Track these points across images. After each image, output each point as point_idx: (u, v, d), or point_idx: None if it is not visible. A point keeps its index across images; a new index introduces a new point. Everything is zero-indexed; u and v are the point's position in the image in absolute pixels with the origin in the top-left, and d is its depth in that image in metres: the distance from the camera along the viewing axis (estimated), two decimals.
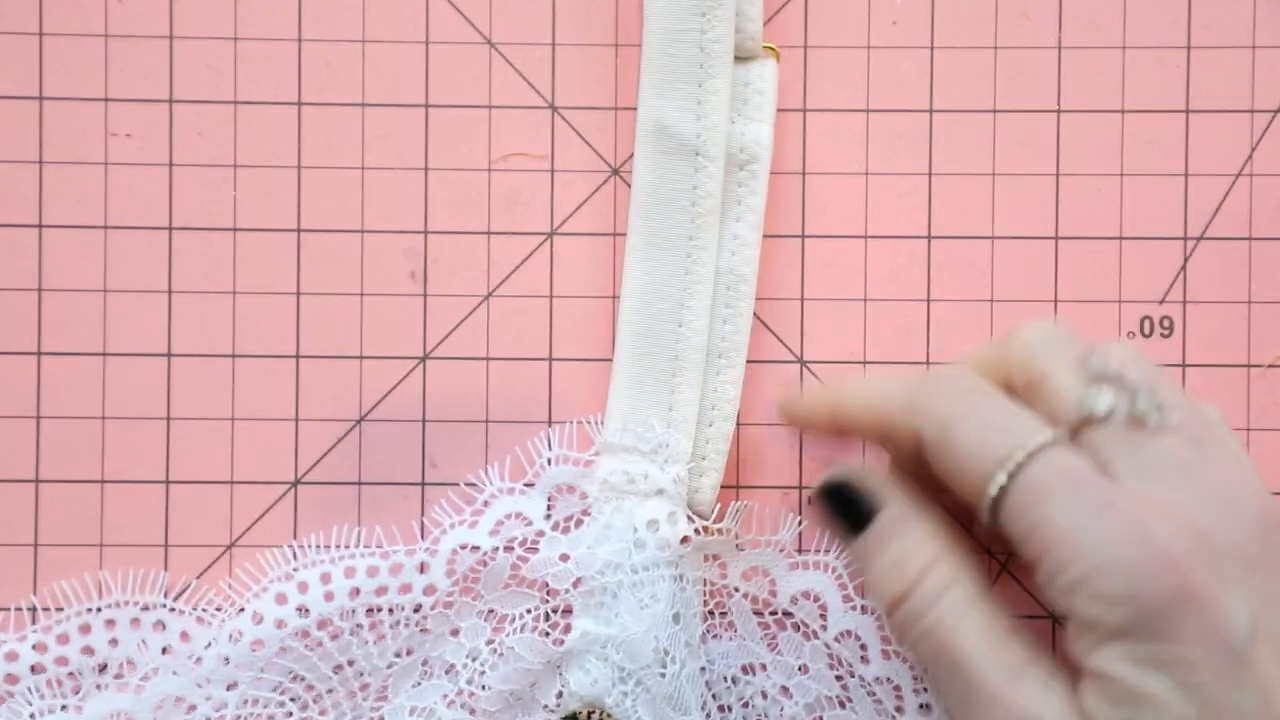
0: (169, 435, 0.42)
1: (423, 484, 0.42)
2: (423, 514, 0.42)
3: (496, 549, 0.41)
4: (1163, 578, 0.31)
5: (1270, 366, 0.42)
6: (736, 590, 0.41)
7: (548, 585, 0.41)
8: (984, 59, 0.42)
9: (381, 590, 0.40)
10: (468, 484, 0.41)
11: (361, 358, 0.42)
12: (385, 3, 0.42)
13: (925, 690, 0.40)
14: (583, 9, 0.42)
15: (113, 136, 0.42)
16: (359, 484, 0.42)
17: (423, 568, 0.41)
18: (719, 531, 0.40)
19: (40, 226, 0.42)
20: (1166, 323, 0.42)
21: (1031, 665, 0.34)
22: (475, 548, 0.40)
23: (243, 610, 0.41)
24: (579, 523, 0.41)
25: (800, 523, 0.41)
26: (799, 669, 0.40)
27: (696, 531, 0.40)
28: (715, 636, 0.41)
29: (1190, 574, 0.31)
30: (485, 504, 0.41)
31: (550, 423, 0.42)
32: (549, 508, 0.41)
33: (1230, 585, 0.32)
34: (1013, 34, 0.42)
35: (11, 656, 0.41)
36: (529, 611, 0.41)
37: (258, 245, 0.42)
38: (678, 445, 0.40)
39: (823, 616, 0.40)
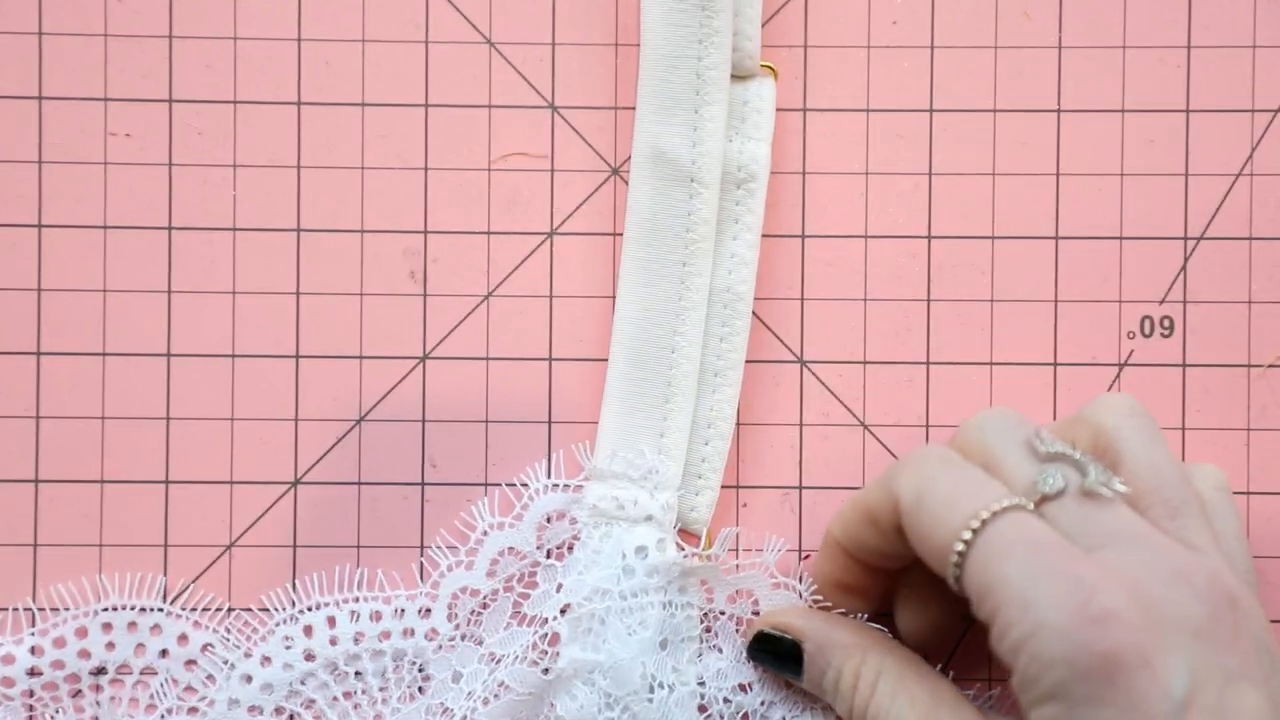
0: (169, 435, 0.42)
1: (423, 484, 0.42)
2: (422, 514, 0.42)
3: (496, 590, 0.41)
4: (1096, 641, 0.31)
5: (1270, 366, 0.42)
6: (722, 614, 0.41)
7: (541, 615, 0.41)
8: (984, 59, 0.42)
9: (385, 635, 0.41)
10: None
11: (361, 358, 0.42)
12: (385, 3, 0.42)
13: None
14: (583, 9, 0.42)
15: (112, 136, 0.42)
16: (359, 484, 0.42)
17: (424, 612, 0.41)
18: (707, 558, 0.40)
19: (40, 226, 0.42)
20: (1166, 323, 0.42)
21: None
22: (475, 591, 0.41)
23: (249, 655, 0.41)
24: (570, 547, 0.41)
25: (784, 545, 0.41)
26: (785, 684, 0.40)
27: (685, 559, 0.40)
28: (705, 653, 0.41)
29: (1125, 639, 0.31)
30: (478, 542, 0.41)
31: (550, 422, 0.42)
32: (539, 535, 0.41)
33: (1169, 653, 0.32)
34: (1013, 34, 0.42)
35: (8, 660, 0.41)
36: (523, 644, 0.41)
37: (258, 245, 0.42)
38: (667, 471, 0.40)
39: None
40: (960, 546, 0.34)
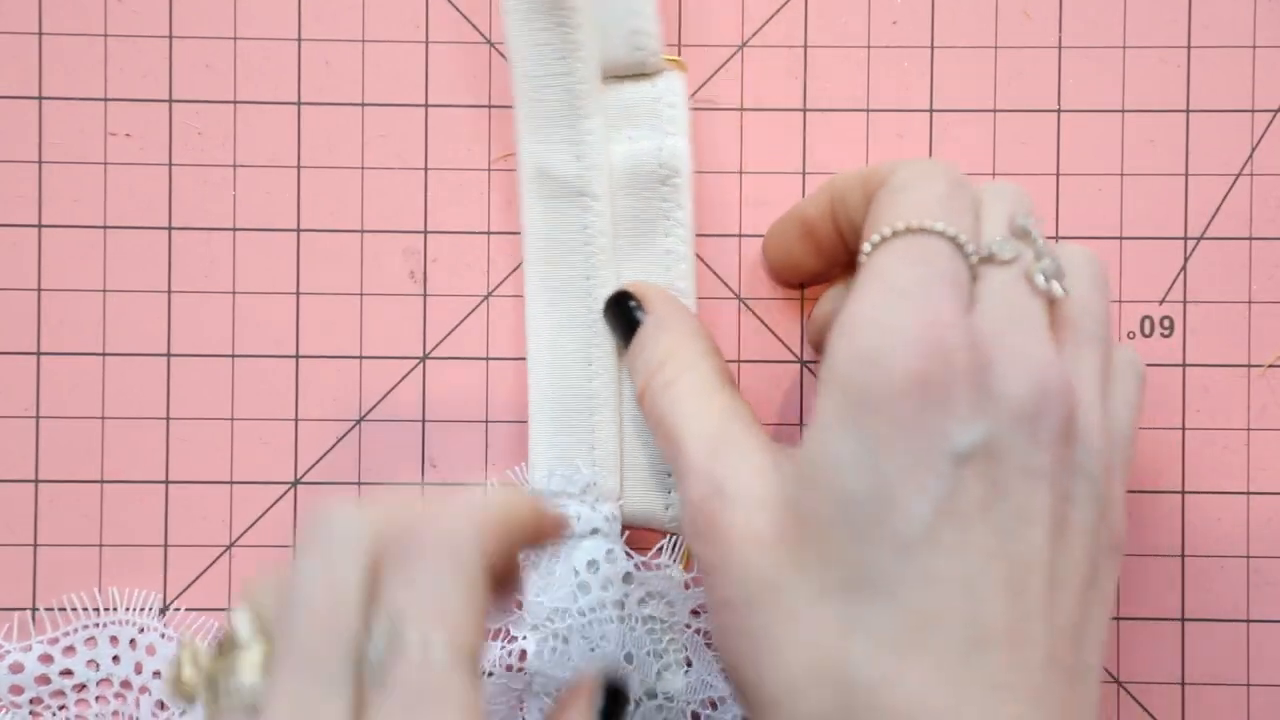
0: (169, 435, 0.42)
1: (423, 484, 0.42)
2: None
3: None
4: (921, 357, 0.31)
5: (1270, 366, 0.42)
6: (688, 626, 0.41)
7: (509, 631, 0.41)
8: (984, 59, 0.42)
9: None
10: None
11: (361, 358, 0.42)
12: (385, 3, 0.42)
13: None
14: None
15: (112, 136, 0.42)
16: (359, 484, 0.42)
17: None
18: (658, 566, 0.40)
19: (40, 226, 0.42)
20: (1166, 323, 0.42)
21: (738, 445, 0.34)
22: None
23: None
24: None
25: None
26: None
27: (636, 567, 0.40)
28: (673, 668, 0.41)
29: (946, 377, 0.31)
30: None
31: None
32: None
33: (975, 415, 0.31)
34: (1013, 34, 0.42)
35: (16, 668, 0.41)
36: (491, 671, 0.41)
37: (257, 245, 0.42)
38: (605, 483, 0.40)
39: None
40: (886, 232, 0.33)
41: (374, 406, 0.42)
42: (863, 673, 0.31)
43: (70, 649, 0.41)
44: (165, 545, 0.42)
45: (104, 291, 0.42)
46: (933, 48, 0.42)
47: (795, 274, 0.40)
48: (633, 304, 0.39)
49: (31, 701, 0.41)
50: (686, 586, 0.41)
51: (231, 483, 0.42)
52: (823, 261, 0.39)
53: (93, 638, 0.41)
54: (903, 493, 0.31)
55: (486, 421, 0.42)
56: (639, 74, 0.41)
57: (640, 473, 0.41)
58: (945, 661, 0.30)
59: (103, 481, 0.42)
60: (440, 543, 0.30)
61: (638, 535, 0.42)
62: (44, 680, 0.41)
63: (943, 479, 0.31)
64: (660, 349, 0.38)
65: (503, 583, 0.33)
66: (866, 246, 0.33)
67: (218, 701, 0.30)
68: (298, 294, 0.42)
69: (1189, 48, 0.42)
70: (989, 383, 0.31)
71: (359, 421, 0.42)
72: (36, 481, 0.42)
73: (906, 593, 0.31)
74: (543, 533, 0.33)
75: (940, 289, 0.32)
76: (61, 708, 0.41)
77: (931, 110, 0.42)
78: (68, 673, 0.41)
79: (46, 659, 0.41)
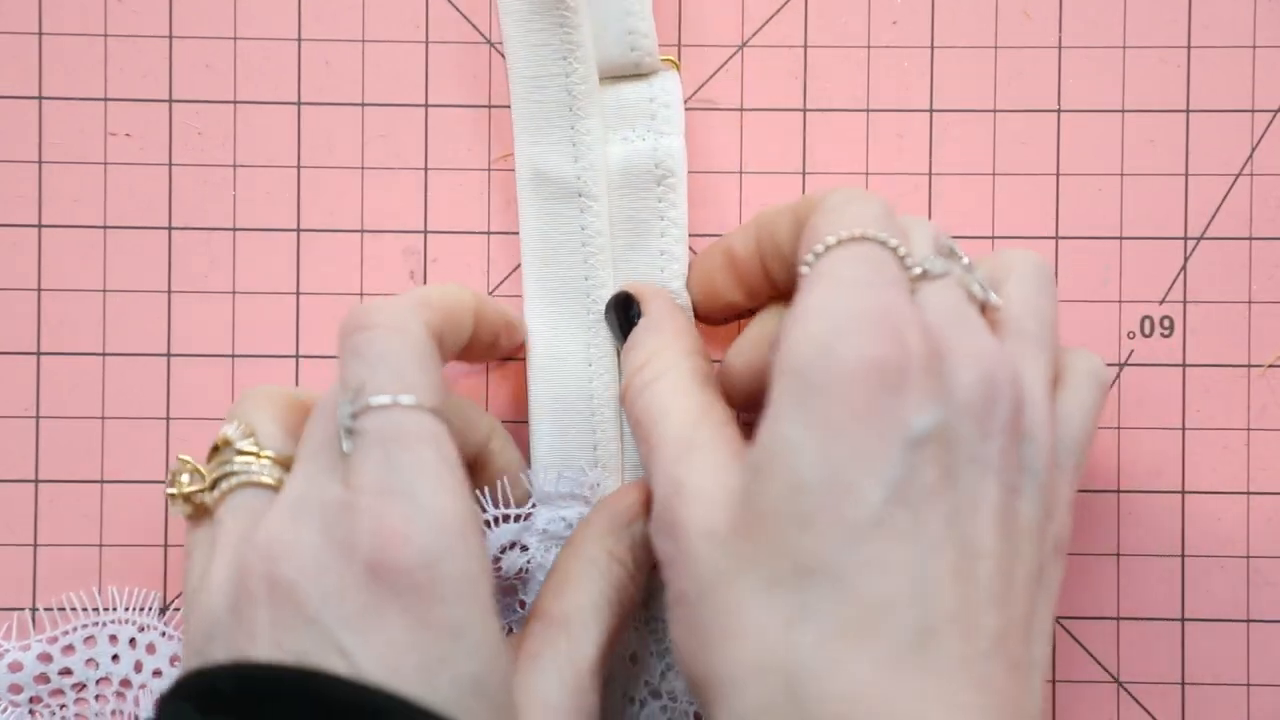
0: (168, 435, 0.42)
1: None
2: None
3: None
4: (874, 348, 0.31)
5: (1270, 366, 0.42)
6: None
7: (510, 629, 0.40)
8: (984, 59, 0.42)
9: None
10: None
11: None
12: (385, 3, 0.42)
13: None
14: None
15: (112, 136, 0.42)
16: None
17: None
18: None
19: (40, 226, 0.42)
20: (1166, 323, 0.42)
21: (706, 445, 0.35)
22: None
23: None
24: (522, 577, 0.40)
25: None
26: None
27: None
28: (677, 671, 0.41)
29: (902, 364, 0.31)
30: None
31: None
32: (496, 562, 0.39)
33: (925, 405, 0.31)
34: (1013, 34, 0.42)
35: (15, 667, 0.41)
36: None
37: (257, 245, 0.42)
38: (608, 483, 0.40)
39: None
40: (831, 240, 0.33)
41: None
42: (809, 661, 0.30)
43: (70, 648, 0.41)
44: (165, 545, 0.42)
45: (104, 291, 0.42)
46: (933, 48, 0.42)
47: (718, 309, 0.40)
48: (633, 305, 0.39)
49: (31, 700, 0.41)
50: None
51: None
52: (746, 296, 0.39)
53: (92, 637, 0.41)
54: (855, 477, 0.31)
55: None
56: (635, 74, 0.41)
57: (641, 472, 0.41)
58: (894, 649, 0.30)
59: (103, 481, 0.42)
60: (379, 320, 0.34)
61: None
62: (43, 679, 0.41)
63: (896, 464, 0.31)
64: (645, 349, 0.38)
65: (465, 353, 0.38)
66: (809, 257, 0.34)
67: (218, 489, 0.34)
68: (298, 294, 0.42)
69: (1189, 48, 0.42)
70: (942, 370, 0.32)
71: None
72: (36, 481, 0.42)
73: (856, 579, 0.30)
74: (486, 318, 0.38)
75: (889, 285, 0.33)
76: (62, 706, 0.41)
77: (931, 110, 0.42)
78: (67, 672, 0.41)
79: (46, 658, 0.41)
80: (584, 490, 0.40)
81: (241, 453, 0.35)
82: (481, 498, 0.38)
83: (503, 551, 0.39)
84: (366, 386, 0.33)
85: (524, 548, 0.39)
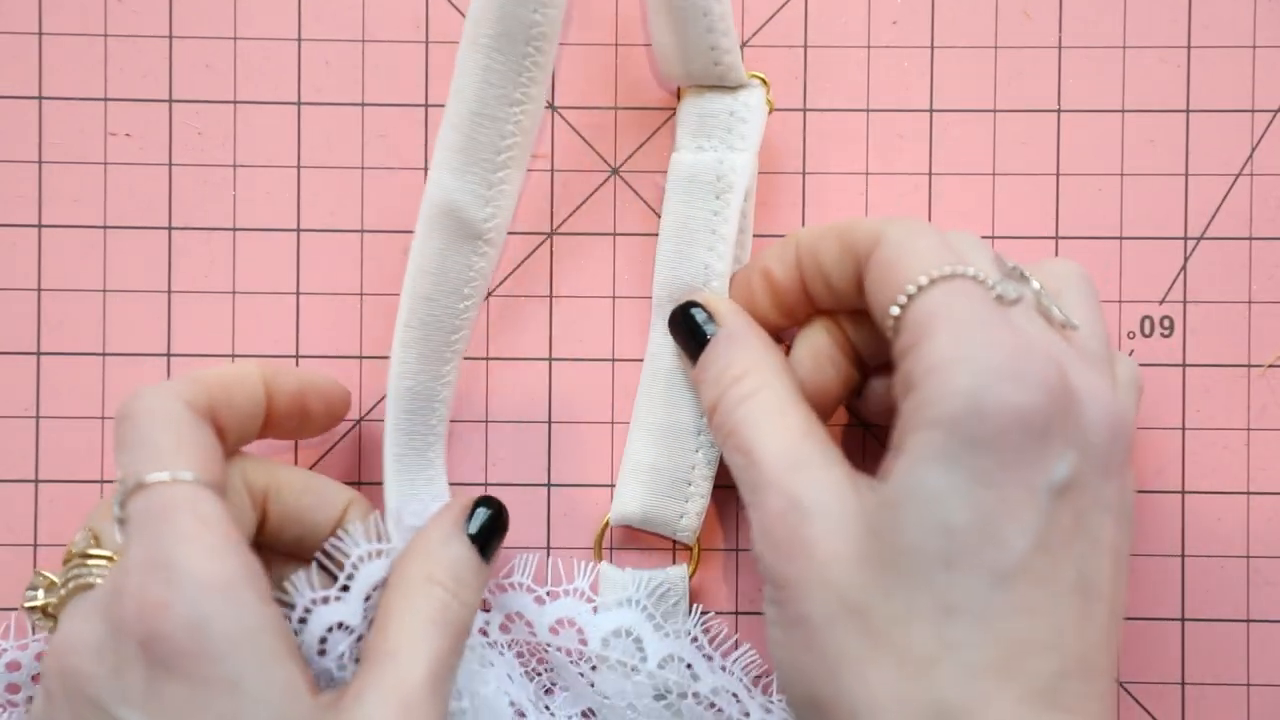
0: None
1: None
2: None
3: (328, 670, 0.36)
4: (1013, 394, 0.32)
5: (1270, 366, 0.42)
6: (549, 646, 0.40)
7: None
8: (984, 59, 0.42)
9: None
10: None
11: (361, 358, 0.42)
12: (385, 3, 0.42)
13: (765, 691, 0.41)
14: (583, 9, 0.42)
15: (112, 136, 0.42)
16: (359, 484, 0.42)
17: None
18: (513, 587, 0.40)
19: (40, 226, 0.42)
20: (1166, 323, 0.42)
21: (818, 463, 0.35)
22: (349, 626, 0.37)
23: None
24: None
25: (594, 570, 0.41)
26: (627, 709, 0.40)
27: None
28: (550, 690, 0.41)
29: (1040, 405, 0.32)
30: (302, 620, 0.36)
31: (550, 422, 0.42)
32: (366, 602, 0.37)
33: (1067, 441, 0.32)
34: (1013, 34, 0.42)
35: (13, 666, 0.41)
36: None
37: (257, 245, 0.42)
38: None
39: (639, 649, 0.40)
40: (923, 280, 0.34)
41: (374, 406, 0.42)
42: (955, 696, 0.31)
43: None
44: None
45: (104, 291, 0.42)
46: (933, 48, 0.42)
47: None
48: (702, 316, 0.39)
49: (28, 700, 0.41)
50: (540, 602, 0.41)
51: None
52: (785, 317, 0.39)
53: None
54: (1003, 525, 0.32)
55: (486, 421, 0.42)
56: (721, 86, 0.40)
57: (662, 477, 0.41)
58: (1033, 689, 0.32)
59: (103, 481, 0.42)
60: (137, 408, 0.35)
61: (641, 540, 0.42)
62: (14, 667, 0.41)
63: (1040, 512, 0.32)
64: (737, 363, 0.38)
65: (266, 426, 0.38)
66: (901, 299, 0.34)
67: (66, 588, 0.35)
68: (298, 294, 0.42)
69: (1189, 48, 0.42)
70: (1077, 415, 0.33)
71: (359, 421, 0.42)
72: (36, 481, 0.42)
73: (1000, 621, 0.32)
74: (283, 389, 0.38)
75: (1005, 323, 0.33)
76: None
77: (931, 110, 0.42)
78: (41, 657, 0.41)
79: (42, 657, 0.41)
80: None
81: (89, 557, 0.35)
82: (293, 587, 0.36)
83: (374, 589, 0.37)
84: (129, 474, 0.34)
85: (348, 628, 0.36)
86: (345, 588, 0.37)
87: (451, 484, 0.42)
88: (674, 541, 0.42)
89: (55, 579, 0.35)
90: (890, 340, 0.35)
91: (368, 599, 0.37)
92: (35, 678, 0.41)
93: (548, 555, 0.42)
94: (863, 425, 0.42)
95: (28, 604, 0.35)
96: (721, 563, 0.42)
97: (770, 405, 0.36)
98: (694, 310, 0.39)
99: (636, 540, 0.42)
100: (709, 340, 0.39)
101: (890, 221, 0.36)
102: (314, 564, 0.37)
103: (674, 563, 0.42)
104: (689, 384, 0.41)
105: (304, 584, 0.36)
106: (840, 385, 0.39)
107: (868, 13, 0.42)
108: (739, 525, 0.42)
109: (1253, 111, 0.42)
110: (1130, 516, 0.35)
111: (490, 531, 0.38)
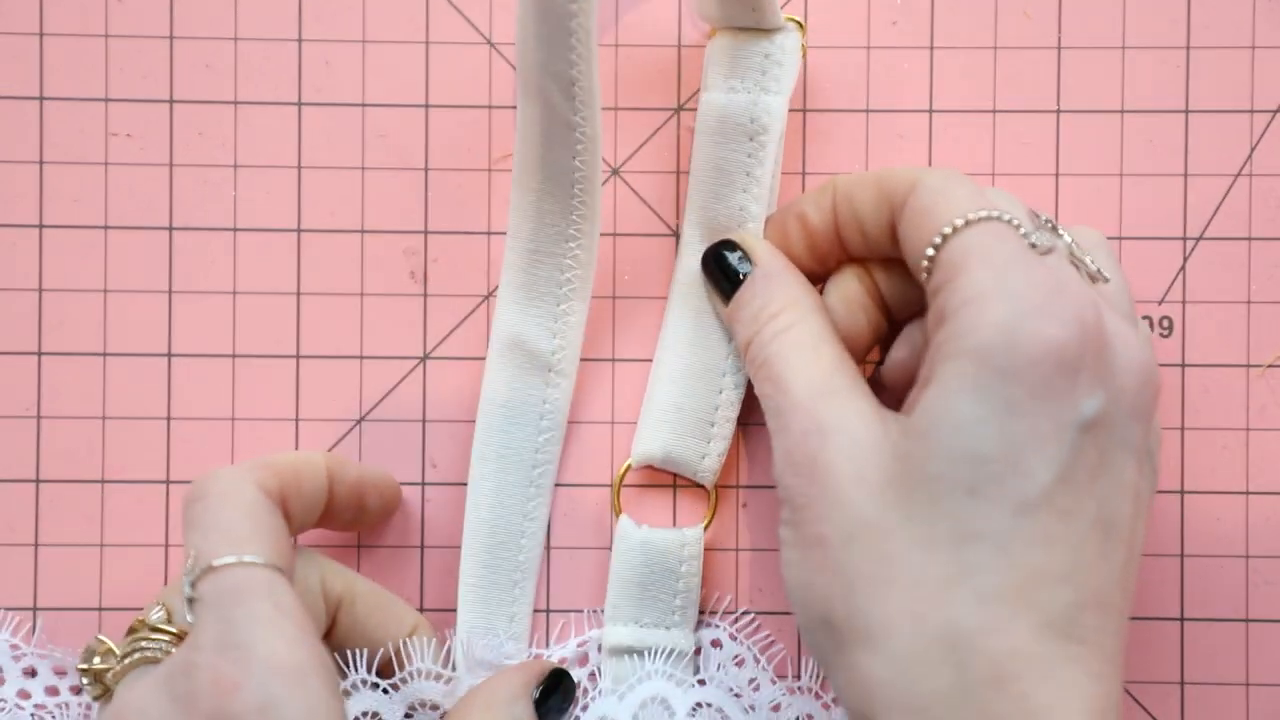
0: (169, 435, 0.42)
1: (423, 484, 0.42)
2: (423, 514, 0.42)
3: None
4: (1048, 327, 0.32)
5: (1270, 366, 0.42)
6: None
7: None
8: (984, 59, 0.42)
9: None
10: None
11: (361, 358, 0.42)
12: (385, 3, 0.42)
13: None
14: None
15: (113, 136, 0.42)
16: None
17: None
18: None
19: (40, 226, 0.42)
20: (1166, 323, 0.42)
21: (845, 392, 0.36)
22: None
23: None
24: None
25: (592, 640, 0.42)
26: None
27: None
28: None
29: (1073, 342, 0.33)
30: (347, 692, 0.38)
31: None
32: (407, 716, 0.39)
33: (1098, 380, 0.33)
34: (1013, 34, 0.42)
35: (29, 673, 0.41)
36: None
37: (258, 245, 0.42)
38: (517, 657, 0.41)
39: (667, 709, 0.40)
40: (959, 221, 0.34)
41: (374, 406, 0.42)
42: (968, 619, 0.32)
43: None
44: (166, 545, 0.42)
45: (105, 291, 0.42)
46: (932, 48, 0.42)
47: None
48: (737, 255, 0.40)
49: (36, 708, 0.41)
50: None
51: None
52: (817, 262, 0.40)
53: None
54: (1029, 456, 0.32)
55: (476, 421, 0.42)
56: (756, 28, 0.40)
57: (685, 417, 0.41)
58: (1048, 618, 0.32)
59: (103, 481, 0.42)
60: (211, 489, 0.35)
61: (654, 495, 0.42)
62: (53, 691, 0.41)
63: (1066, 446, 0.33)
64: (775, 299, 0.38)
65: (324, 516, 0.39)
66: (936, 239, 0.35)
67: (130, 657, 0.35)
68: (298, 294, 0.42)
69: (1188, 48, 0.42)
70: (1109, 357, 0.33)
71: (359, 421, 0.42)
72: (37, 481, 0.42)
73: (1019, 550, 0.32)
74: (344, 480, 0.39)
75: (1041, 263, 0.34)
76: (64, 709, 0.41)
77: (931, 110, 0.42)
78: (77, 690, 0.41)
79: (60, 671, 0.41)
80: (500, 659, 0.40)
81: (156, 630, 0.35)
82: (348, 659, 0.38)
83: (420, 705, 0.39)
84: (201, 554, 0.34)
85: (443, 715, 0.39)
86: (396, 686, 0.38)
87: (450, 484, 0.42)
88: (695, 483, 0.42)
89: (114, 647, 0.36)
90: (924, 283, 0.35)
91: (411, 710, 0.38)
92: (48, 689, 0.41)
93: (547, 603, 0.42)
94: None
95: (83, 665, 0.36)
96: (734, 506, 0.42)
97: (804, 340, 0.37)
98: (728, 250, 0.40)
99: (650, 496, 0.42)
100: (743, 279, 0.39)
101: (927, 170, 0.36)
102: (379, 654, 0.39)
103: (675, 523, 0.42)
104: (716, 324, 0.41)
105: (362, 663, 0.38)
106: (870, 332, 0.39)
107: (867, 13, 0.42)
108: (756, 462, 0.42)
109: (1251, 112, 0.42)
110: (1155, 464, 0.36)
111: (556, 707, 0.39)
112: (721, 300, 0.40)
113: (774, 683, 0.41)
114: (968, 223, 0.34)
